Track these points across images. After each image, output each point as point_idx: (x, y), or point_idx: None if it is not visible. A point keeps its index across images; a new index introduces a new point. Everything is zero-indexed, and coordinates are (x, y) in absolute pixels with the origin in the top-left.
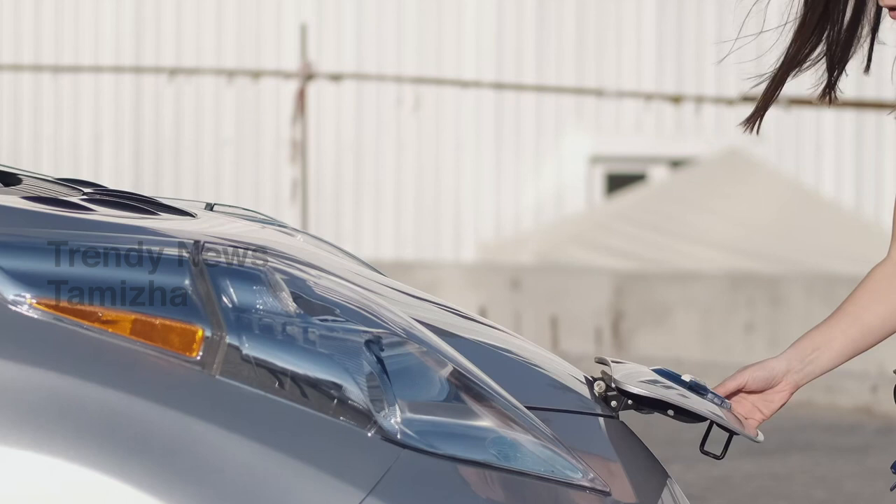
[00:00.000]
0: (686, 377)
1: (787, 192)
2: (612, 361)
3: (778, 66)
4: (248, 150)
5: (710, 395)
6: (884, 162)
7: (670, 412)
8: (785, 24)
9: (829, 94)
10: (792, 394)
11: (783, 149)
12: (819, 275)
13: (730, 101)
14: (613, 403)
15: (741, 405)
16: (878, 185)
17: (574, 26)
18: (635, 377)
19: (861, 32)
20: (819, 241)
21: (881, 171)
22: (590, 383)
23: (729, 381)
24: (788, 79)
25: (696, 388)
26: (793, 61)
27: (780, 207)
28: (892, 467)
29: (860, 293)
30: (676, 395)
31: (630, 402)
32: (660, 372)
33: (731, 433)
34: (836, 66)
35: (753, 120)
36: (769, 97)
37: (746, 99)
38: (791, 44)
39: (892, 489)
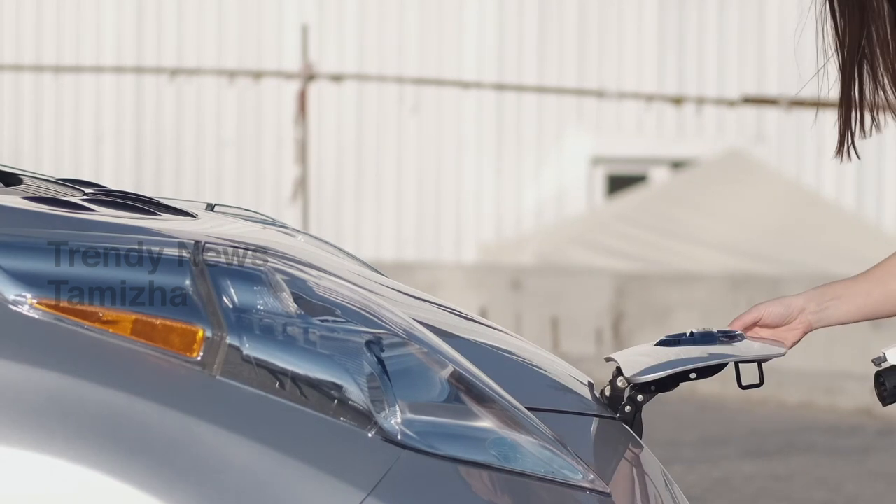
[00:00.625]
0: (690, 331)
1: (788, 193)
2: (616, 357)
3: (841, 92)
4: (249, 150)
5: (719, 338)
6: (885, 163)
7: (692, 376)
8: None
9: (876, 128)
10: (804, 334)
11: (784, 150)
12: (820, 276)
13: (731, 103)
14: (640, 398)
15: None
16: (878, 186)
17: (575, 27)
18: (641, 364)
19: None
20: (820, 241)
21: (882, 172)
22: (611, 384)
23: (745, 314)
24: (860, 109)
25: (704, 338)
26: (849, 88)
27: (781, 208)
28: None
29: (893, 260)
30: (687, 359)
31: (653, 387)
32: (663, 343)
33: (758, 361)
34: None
35: (842, 149)
36: (848, 123)
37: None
38: (842, 69)
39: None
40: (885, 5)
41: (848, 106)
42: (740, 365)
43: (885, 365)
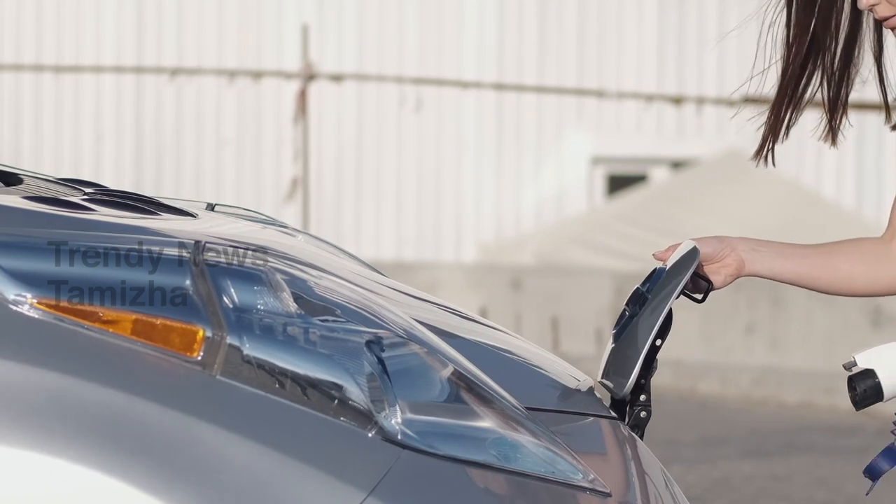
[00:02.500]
0: (622, 311)
1: (788, 192)
2: (602, 380)
3: (775, 98)
4: (249, 150)
5: (658, 279)
6: (884, 163)
7: (658, 342)
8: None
9: (832, 136)
10: (734, 276)
11: (784, 149)
12: None
13: (731, 103)
14: (643, 414)
15: None
16: (878, 186)
17: (575, 27)
18: (619, 372)
19: (858, 60)
20: (820, 241)
21: (882, 171)
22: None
23: (677, 245)
24: (791, 115)
25: (644, 295)
26: (789, 97)
27: (781, 208)
28: (864, 472)
29: (844, 243)
30: (646, 333)
31: (642, 381)
32: (617, 331)
33: (696, 276)
34: (834, 104)
35: (762, 152)
36: (775, 130)
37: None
38: (783, 75)
39: (867, 494)
40: (846, 2)
41: (777, 111)
42: (685, 294)
43: (855, 370)
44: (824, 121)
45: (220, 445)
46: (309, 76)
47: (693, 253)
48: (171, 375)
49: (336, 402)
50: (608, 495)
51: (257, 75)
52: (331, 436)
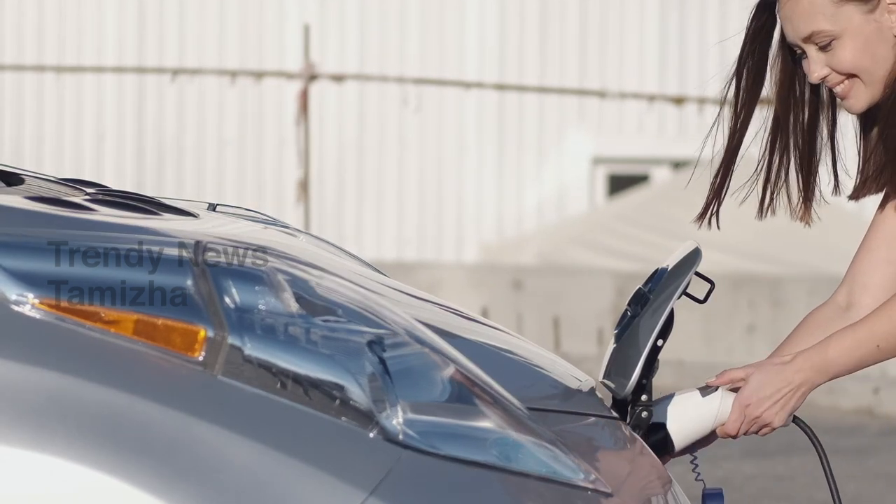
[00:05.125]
0: (624, 311)
1: None
2: (604, 381)
3: (721, 164)
4: (251, 150)
5: (660, 279)
6: None
7: (660, 342)
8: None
9: (808, 207)
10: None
11: None
12: (821, 276)
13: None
14: (644, 414)
15: None
16: None
17: (576, 27)
18: (621, 372)
19: (822, 137)
20: (821, 242)
21: None
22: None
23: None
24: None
25: (646, 295)
26: (734, 165)
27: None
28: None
29: (797, 336)
30: (648, 333)
31: (643, 381)
32: (619, 331)
33: (701, 278)
34: (807, 182)
35: (705, 215)
36: (719, 193)
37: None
38: (729, 142)
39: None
40: (808, 91)
41: (723, 176)
42: (686, 293)
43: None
44: (797, 199)
45: (221, 445)
46: (310, 76)
47: (695, 254)
48: (172, 375)
49: (337, 402)
50: (610, 495)
51: (259, 75)
52: (332, 436)
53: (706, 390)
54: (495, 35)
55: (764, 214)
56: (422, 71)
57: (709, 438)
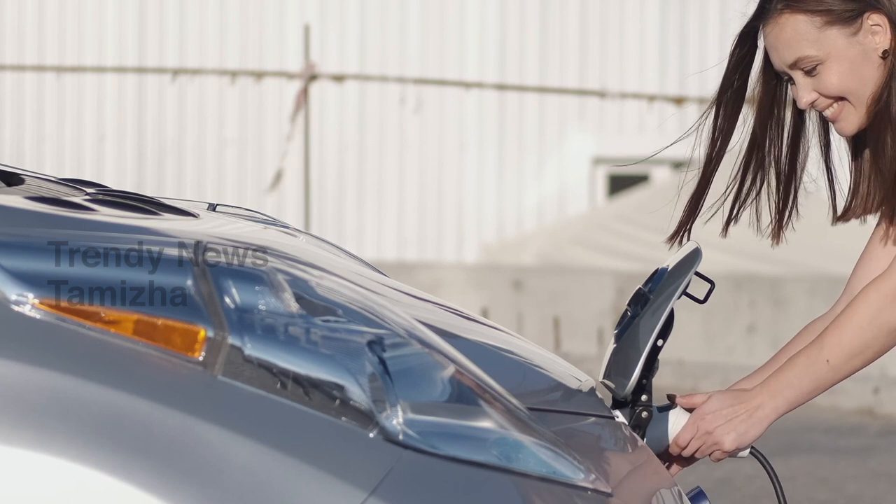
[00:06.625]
0: (625, 311)
1: None
2: (604, 381)
3: (696, 188)
4: (251, 150)
5: (660, 279)
6: None
7: (660, 342)
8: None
9: (780, 230)
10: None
11: None
12: (821, 276)
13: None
14: (644, 414)
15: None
16: None
17: (577, 27)
18: (621, 372)
19: (804, 159)
20: (821, 242)
21: None
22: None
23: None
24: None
25: (646, 295)
26: (708, 188)
27: None
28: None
29: (796, 344)
30: (648, 333)
31: (643, 381)
32: (619, 331)
33: (700, 277)
34: (784, 202)
35: (677, 235)
36: (692, 215)
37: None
38: (705, 166)
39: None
40: (789, 115)
41: (697, 200)
42: (686, 293)
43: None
44: (770, 220)
45: (222, 446)
46: (310, 76)
47: (695, 254)
48: (172, 375)
49: (337, 402)
50: (610, 495)
51: (259, 75)
52: (332, 436)
53: (666, 406)
54: (496, 35)
55: (727, 232)
56: (422, 71)
57: (683, 459)
